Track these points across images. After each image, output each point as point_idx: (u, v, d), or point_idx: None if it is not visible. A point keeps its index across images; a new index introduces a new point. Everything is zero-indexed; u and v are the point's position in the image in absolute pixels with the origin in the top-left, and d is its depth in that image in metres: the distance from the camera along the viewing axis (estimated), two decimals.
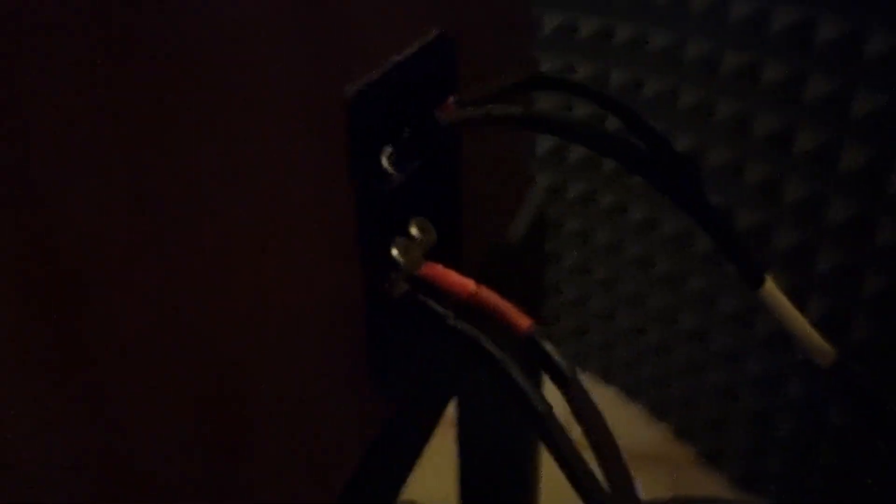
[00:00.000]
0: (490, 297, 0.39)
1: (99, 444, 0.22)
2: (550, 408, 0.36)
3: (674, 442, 1.04)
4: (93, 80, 0.20)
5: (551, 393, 0.37)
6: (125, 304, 0.22)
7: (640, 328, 1.04)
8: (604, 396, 1.13)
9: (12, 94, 0.17)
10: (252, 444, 0.30)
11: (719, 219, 0.34)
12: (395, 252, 0.36)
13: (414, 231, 0.38)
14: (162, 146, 0.23)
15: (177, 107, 0.23)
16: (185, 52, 0.23)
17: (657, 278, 0.98)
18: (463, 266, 0.47)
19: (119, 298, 0.22)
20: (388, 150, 0.35)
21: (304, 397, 0.33)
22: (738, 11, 0.79)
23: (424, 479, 0.93)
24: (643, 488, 1.00)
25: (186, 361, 0.25)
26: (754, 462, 0.95)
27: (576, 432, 0.36)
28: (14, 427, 0.19)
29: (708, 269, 0.91)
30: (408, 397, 0.41)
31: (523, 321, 0.38)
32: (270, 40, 0.26)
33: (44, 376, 0.20)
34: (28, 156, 0.18)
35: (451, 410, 0.60)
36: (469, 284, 0.39)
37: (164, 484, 0.25)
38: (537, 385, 0.36)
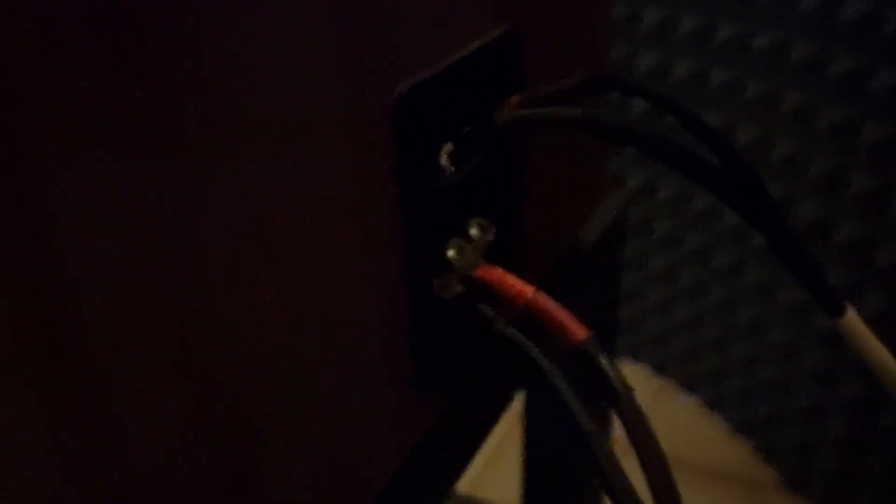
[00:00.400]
0: (547, 304, 0.37)
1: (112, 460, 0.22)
2: (597, 427, 0.35)
3: (757, 462, 1.00)
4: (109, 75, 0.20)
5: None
6: (144, 293, 0.22)
7: (726, 338, 1.00)
8: (686, 406, 1.10)
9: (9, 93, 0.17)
10: (281, 446, 0.29)
11: (793, 240, 0.32)
12: (450, 253, 0.36)
13: (473, 231, 0.37)
14: (202, 148, 0.22)
15: (215, 106, 0.23)
16: (224, 48, 0.23)
17: (745, 288, 0.94)
18: (526, 268, 0.46)
19: (136, 290, 0.22)
20: (449, 146, 0.34)
21: (340, 397, 0.32)
22: (808, 3, 0.76)
23: (494, 477, 0.92)
24: None
25: (214, 365, 0.25)
26: (839, 487, 0.90)
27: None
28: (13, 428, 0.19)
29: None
30: (457, 399, 0.40)
31: (579, 332, 0.37)
32: (312, 35, 0.26)
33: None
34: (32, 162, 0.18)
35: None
36: (527, 290, 0.37)
37: (189, 485, 0.25)
38: (588, 401, 0.35)
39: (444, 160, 0.33)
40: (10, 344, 0.18)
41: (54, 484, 0.20)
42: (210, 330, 0.25)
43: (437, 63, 0.31)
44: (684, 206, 0.97)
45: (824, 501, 0.92)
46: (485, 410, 0.44)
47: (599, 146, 0.52)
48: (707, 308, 1.00)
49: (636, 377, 1.15)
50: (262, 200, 0.25)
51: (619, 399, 0.36)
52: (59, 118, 0.18)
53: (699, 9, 0.87)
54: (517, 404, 0.56)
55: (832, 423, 0.88)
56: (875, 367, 0.35)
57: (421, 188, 0.32)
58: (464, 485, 0.97)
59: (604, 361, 0.36)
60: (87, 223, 0.20)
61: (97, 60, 0.19)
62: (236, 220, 0.25)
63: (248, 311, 0.26)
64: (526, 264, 0.44)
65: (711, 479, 1.01)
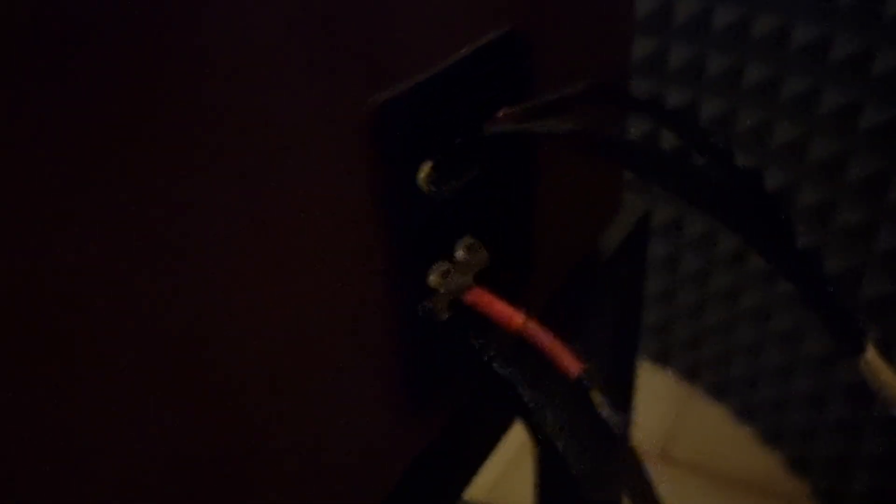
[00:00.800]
0: (538, 333, 0.34)
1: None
2: (586, 470, 0.32)
3: (788, 474, 0.96)
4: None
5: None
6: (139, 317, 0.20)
7: (758, 345, 0.96)
8: (714, 414, 1.06)
9: None
10: (273, 466, 0.27)
11: (811, 273, 0.28)
12: (432, 278, 0.33)
13: (460, 253, 0.34)
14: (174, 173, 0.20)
15: (190, 129, 0.20)
16: (188, 54, 0.20)
17: (779, 293, 0.90)
18: (538, 281, 0.43)
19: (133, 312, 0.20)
20: (429, 165, 0.31)
21: (330, 419, 0.30)
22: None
23: (513, 483, 0.90)
24: None
25: (205, 385, 0.23)
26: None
27: None
28: None
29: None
30: (454, 421, 0.37)
31: (573, 366, 0.34)
32: (282, 45, 0.23)
33: None
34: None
35: None
36: (516, 318, 0.35)
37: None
38: (582, 436, 0.32)
39: (421, 179, 0.30)
40: None
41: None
42: (189, 354, 0.22)
43: (423, 70, 0.28)
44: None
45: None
46: (483, 433, 0.41)
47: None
48: (739, 313, 0.96)
49: (664, 382, 1.12)
50: (234, 223, 0.23)
51: (614, 440, 0.33)
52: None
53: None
54: None
55: (867, 438, 0.84)
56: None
57: (401, 207, 0.30)
58: (481, 490, 0.95)
59: (599, 399, 0.33)
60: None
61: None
62: (207, 249, 0.22)
63: (226, 334, 0.24)
64: (538, 277, 0.41)
65: (740, 490, 0.98)
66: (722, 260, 0.96)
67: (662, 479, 1.02)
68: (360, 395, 0.31)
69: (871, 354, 0.31)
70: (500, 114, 0.30)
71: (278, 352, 0.27)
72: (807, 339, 0.89)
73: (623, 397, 0.69)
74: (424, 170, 0.31)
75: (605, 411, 0.33)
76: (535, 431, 0.32)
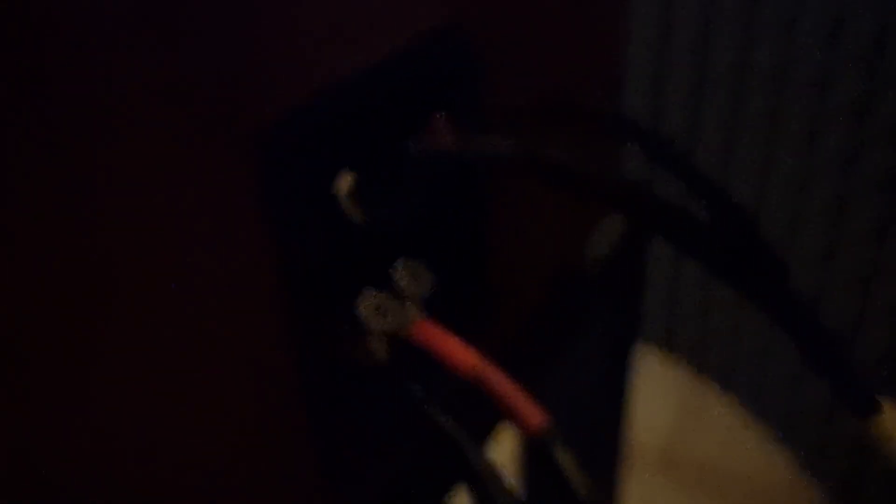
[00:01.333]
0: (494, 379, 0.29)
1: None
2: None
3: (800, 480, 0.90)
4: None
5: None
6: None
7: (772, 345, 0.90)
8: (724, 413, 1.01)
9: None
10: None
11: (814, 327, 0.23)
12: (361, 312, 0.28)
13: (401, 279, 0.29)
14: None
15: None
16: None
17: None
18: (513, 300, 0.37)
19: None
20: (350, 181, 0.26)
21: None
22: None
23: None
24: None
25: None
26: None
27: None
28: None
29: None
30: (387, 491, 0.32)
31: (534, 418, 0.29)
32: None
33: None
34: None
35: None
36: (469, 359, 0.29)
37: None
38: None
39: (343, 198, 0.25)
40: None
41: None
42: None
43: (316, 85, 0.23)
44: None
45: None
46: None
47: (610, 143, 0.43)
48: (748, 315, 0.91)
49: (674, 378, 1.07)
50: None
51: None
52: None
53: None
54: None
55: None
56: None
57: (310, 234, 0.24)
58: None
59: (564, 458, 0.28)
60: None
61: None
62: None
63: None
64: (485, 311, 0.35)
65: (748, 493, 0.93)
66: None
67: (665, 482, 0.95)
68: (264, 473, 0.26)
69: (889, 416, 0.25)
70: (439, 121, 0.25)
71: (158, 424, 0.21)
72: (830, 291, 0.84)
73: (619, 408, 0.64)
74: (345, 187, 0.25)
75: (571, 471, 0.28)
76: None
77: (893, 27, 0.67)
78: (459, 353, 0.29)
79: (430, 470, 0.31)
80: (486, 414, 0.29)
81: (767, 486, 0.93)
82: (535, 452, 0.28)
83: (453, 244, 0.31)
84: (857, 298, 0.78)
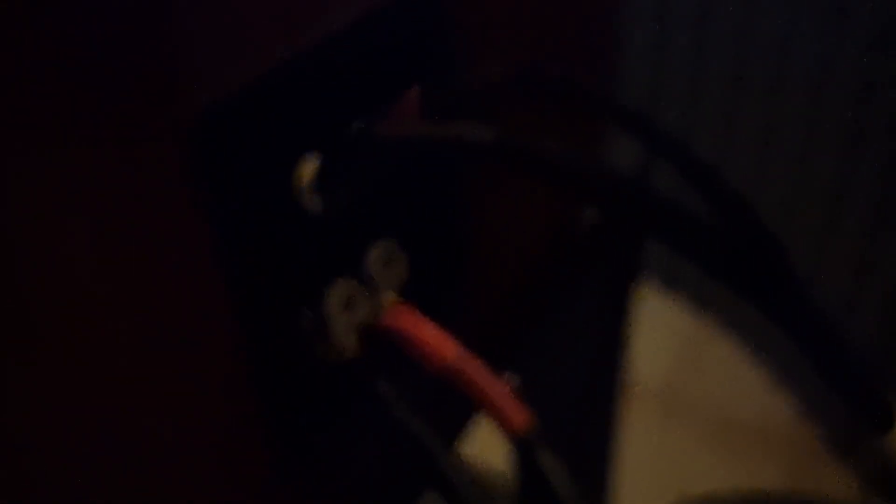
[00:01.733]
0: (475, 374, 0.27)
1: None
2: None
3: (802, 420, 0.90)
4: None
5: None
6: None
7: None
8: (728, 352, 1.00)
9: None
10: None
11: (825, 338, 0.20)
12: (327, 303, 0.25)
13: (373, 266, 0.26)
14: None
15: None
16: None
17: (800, 226, 0.82)
18: (497, 274, 0.34)
19: None
20: (312, 167, 0.23)
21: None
22: None
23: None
24: (753, 470, 0.88)
25: None
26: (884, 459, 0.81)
27: None
28: None
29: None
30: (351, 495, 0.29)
31: (518, 419, 0.26)
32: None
33: None
34: None
35: None
36: (448, 351, 0.27)
37: None
38: None
39: (304, 185, 0.22)
40: None
41: None
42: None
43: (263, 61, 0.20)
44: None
45: (868, 471, 0.82)
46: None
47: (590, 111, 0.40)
48: None
49: (675, 315, 1.05)
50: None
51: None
52: None
53: None
54: None
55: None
56: None
57: (250, 228, 0.22)
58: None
59: (548, 461, 0.26)
60: None
61: None
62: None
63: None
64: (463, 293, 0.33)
65: (747, 434, 0.93)
66: None
67: (664, 423, 0.94)
68: (222, 480, 0.24)
69: None
70: (410, 97, 0.22)
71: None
72: (831, 283, 0.82)
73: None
74: (306, 174, 0.22)
75: (556, 475, 0.26)
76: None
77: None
78: (437, 343, 0.26)
79: (399, 472, 0.29)
80: (459, 408, 0.27)
81: (768, 429, 0.92)
82: (517, 453, 0.26)
83: (427, 223, 0.28)
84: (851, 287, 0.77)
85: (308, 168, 0.22)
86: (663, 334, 1.02)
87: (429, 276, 0.28)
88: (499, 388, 0.26)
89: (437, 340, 0.26)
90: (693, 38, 0.84)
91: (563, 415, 0.64)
